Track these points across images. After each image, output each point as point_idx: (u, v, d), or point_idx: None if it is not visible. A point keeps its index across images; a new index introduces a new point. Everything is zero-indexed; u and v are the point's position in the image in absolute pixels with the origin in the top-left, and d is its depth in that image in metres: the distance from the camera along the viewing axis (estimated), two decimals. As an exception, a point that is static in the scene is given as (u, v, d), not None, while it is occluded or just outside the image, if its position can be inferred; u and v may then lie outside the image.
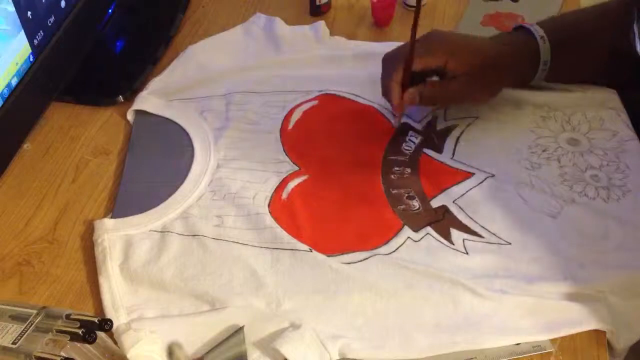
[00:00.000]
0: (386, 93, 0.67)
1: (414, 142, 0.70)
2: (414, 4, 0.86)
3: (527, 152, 0.68)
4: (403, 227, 0.62)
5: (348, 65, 0.79)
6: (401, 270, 0.59)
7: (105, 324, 0.51)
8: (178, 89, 0.77)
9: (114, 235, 0.62)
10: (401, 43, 0.80)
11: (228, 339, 0.54)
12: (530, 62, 0.68)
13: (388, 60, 0.68)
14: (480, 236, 0.61)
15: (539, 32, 0.67)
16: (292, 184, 0.66)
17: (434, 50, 0.65)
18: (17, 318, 0.53)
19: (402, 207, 0.64)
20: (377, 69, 0.77)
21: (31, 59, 0.66)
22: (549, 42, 0.67)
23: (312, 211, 0.64)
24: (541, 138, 0.69)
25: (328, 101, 0.75)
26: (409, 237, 0.61)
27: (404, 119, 0.72)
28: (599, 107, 0.71)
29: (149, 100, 0.75)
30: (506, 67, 0.67)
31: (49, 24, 0.68)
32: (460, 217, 0.63)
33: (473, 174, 0.66)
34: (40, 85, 0.69)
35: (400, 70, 0.65)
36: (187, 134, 0.72)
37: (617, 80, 0.72)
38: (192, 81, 0.77)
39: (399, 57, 0.66)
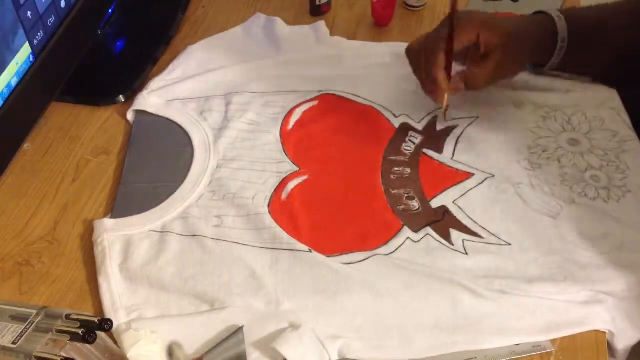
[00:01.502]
0: (432, 83, 0.66)
1: (414, 143, 0.70)
2: (414, 4, 0.86)
3: (527, 152, 0.68)
4: (403, 227, 0.62)
5: (348, 65, 0.79)
6: (401, 270, 0.59)
7: (105, 324, 0.51)
8: (178, 88, 0.77)
9: (113, 235, 0.62)
10: (400, 43, 0.80)
11: (227, 339, 0.54)
12: (548, 38, 0.69)
13: (417, 53, 0.67)
14: (479, 237, 0.61)
15: (554, 12, 0.68)
16: (291, 185, 0.66)
17: (464, 28, 0.65)
18: (17, 318, 0.53)
19: (402, 207, 0.64)
20: (377, 69, 0.77)
21: (31, 59, 0.66)
22: (565, 21, 0.68)
23: (311, 211, 0.64)
24: (541, 138, 0.69)
25: (328, 101, 0.75)
26: (408, 238, 0.61)
27: (404, 119, 0.72)
28: (600, 107, 0.71)
29: (149, 100, 0.75)
30: (529, 40, 0.68)
31: (49, 24, 0.68)
32: (460, 217, 0.63)
33: (473, 174, 0.66)
34: (40, 85, 0.69)
35: (442, 56, 0.64)
36: (187, 134, 0.72)
37: (629, 77, 0.72)
38: (192, 81, 0.77)
39: (434, 44, 0.65)
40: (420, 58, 0.67)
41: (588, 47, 0.69)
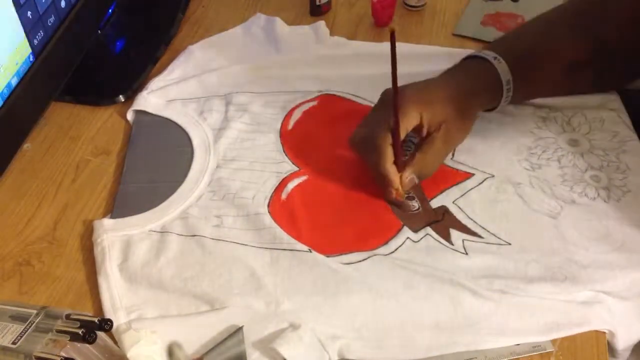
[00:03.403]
0: (382, 179, 0.62)
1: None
2: (414, 4, 0.86)
3: (527, 153, 0.68)
4: (402, 227, 0.62)
5: (348, 65, 0.79)
6: (400, 270, 0.59)
7: (105, 324, 0.51)
8: (178, 89, 0.77)
9: (113, 235, 0.62)
10: (400, 43, 0.80)
11: (227, 339, 0.54)
12: (493, 86, 0.65)
13: (363, 143, 0.63)
14: (479, 236, 0.61)
15: (489, 55, 0.65)
16: (291, 185, 0.66)
17: (406, 112, 0.61)
18: (17, 318, 0.53)
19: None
20: (377, 69, 0.77)
21: (31, 59, 0.66)
22: (504, 61, 0.65)
23: (311, 211, 0.64)
24: (541, 139, 0.69)
25: (328, 101, 0.75)
26: (408, 238, 0.61)
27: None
28: (599, 108, 0.71)
29: (149, 100, 0.75)
30: (474, 100, 0.65)
31: (49, 24, 0.68)
32: (460, 217, 0.63)
33: (473, 174, 0.66)
34: (40, 85, 0.69)
35: (389, 149, 0.61)
36: (187, 134, 0.72)
37: (578, 87, 0.71)
38: (192, 81, 0.77)
39: (378, 136, 0.61)
40: (367, 148, 0.63)
41: (534, 74, 0.67)
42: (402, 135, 0.61)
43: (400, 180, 0.62)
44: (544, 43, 0.68)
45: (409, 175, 0.62)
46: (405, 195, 0.64)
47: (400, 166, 0.62)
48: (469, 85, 0.65)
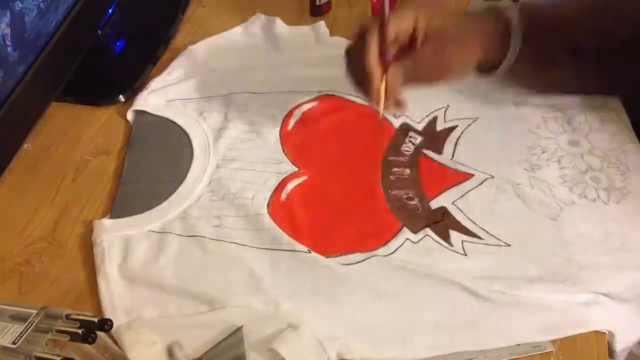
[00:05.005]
0: (363, 77, 0.58)
1: (413, 143, 0.70)
2: (414, 4, 0.86)
3: (527, 153, 0.68)
4: (402, 228, 0.62)
5: (348, 65, 0.79)
6: (400, 271, 0.59)
7: (105, 324, 0.51)
8: (178, 89, 0.77)
9: (112, 235, 0.62)
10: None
11: (227, 339, 0.54)
12: (501, 32, 0.61)
13: (354, 47, 0.60)
14: (479, 238, 0.61)
15: (509, 8, 0.62)
16: (291, 185, 0.66)
17: (401, 11, 0.58)
18: (17, 318, 0.53)
19: (401, 208, 0.64)
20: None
21: (31, 59, 0.66)
22: (520, 17, 0.61)
23: (311, 212, 0.64)
24: (541, 140, 0.69)
25: (328, 102, 0.75)
26: (407, 239, 0.61)
27: (404, 119, 0.72)
28: (600, 108, 0.71)
29: (148, 100, 0.75)
30: (478, 34, 0.61)
31: (49, 24, 0.68)
32: (459, 218, 0.63)
33: (472, 175, 0.66)
34: (40, 85, 0.69)
35: (374, 45, 0.56)
36: (187, 135, 0.72)
37: (580, 80, 0.68)
38: (192, 81, 0.77)
39: (367, 28, 0.57)
40: (356, 46, 0.59)
41: (542, 45, 0.63)
42: (392, 35, 0.57)
43: (385, 78, 0.57)
44: (557, 19, 0.64)
45: (394, 69, 0.57)
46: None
47: (386, 66, 0.57)
48: (477, 21, 0.61)
